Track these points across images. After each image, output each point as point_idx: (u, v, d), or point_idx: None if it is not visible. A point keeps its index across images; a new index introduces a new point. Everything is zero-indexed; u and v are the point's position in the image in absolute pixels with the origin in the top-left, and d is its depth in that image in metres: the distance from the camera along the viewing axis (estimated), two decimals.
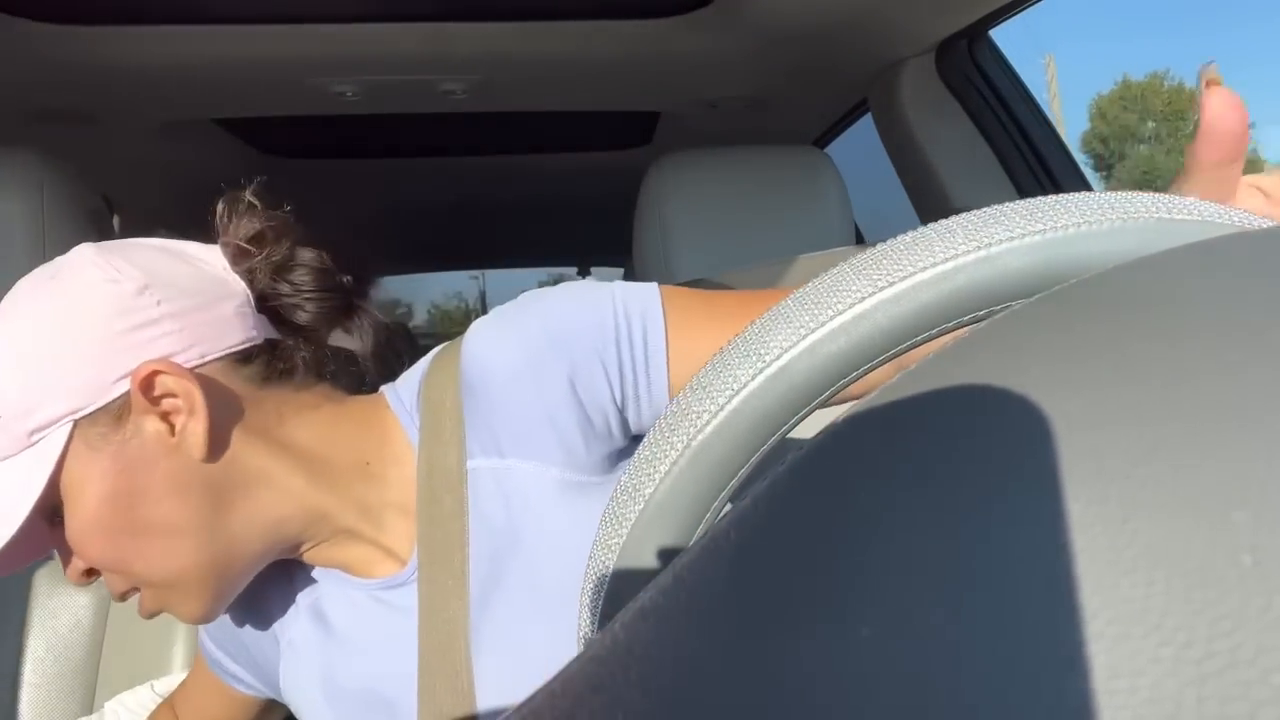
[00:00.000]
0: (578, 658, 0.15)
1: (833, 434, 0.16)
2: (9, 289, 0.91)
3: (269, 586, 0.62)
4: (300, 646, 0.62)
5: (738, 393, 0.21)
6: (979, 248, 0.20)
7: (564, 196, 2.24)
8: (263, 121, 1.52)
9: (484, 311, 0.61)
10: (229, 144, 1.67)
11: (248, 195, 0.59)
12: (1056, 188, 1.24)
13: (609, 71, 1.34)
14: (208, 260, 0.57)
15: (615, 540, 0.23)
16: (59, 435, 0.51)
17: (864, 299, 0.21)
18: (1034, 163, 1.25)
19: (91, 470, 0.51)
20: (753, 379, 0.21)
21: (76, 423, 0.51)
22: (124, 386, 0.51)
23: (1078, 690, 0.10)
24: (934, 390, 0.15)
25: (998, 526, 0.12)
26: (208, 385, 0.52)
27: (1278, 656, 0.09)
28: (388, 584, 0.58)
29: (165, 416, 0.52)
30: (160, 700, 0.88)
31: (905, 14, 1.12)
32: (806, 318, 0.21)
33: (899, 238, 0.21)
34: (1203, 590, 0.10)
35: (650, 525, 0.22)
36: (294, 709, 0.64)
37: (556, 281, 0.60)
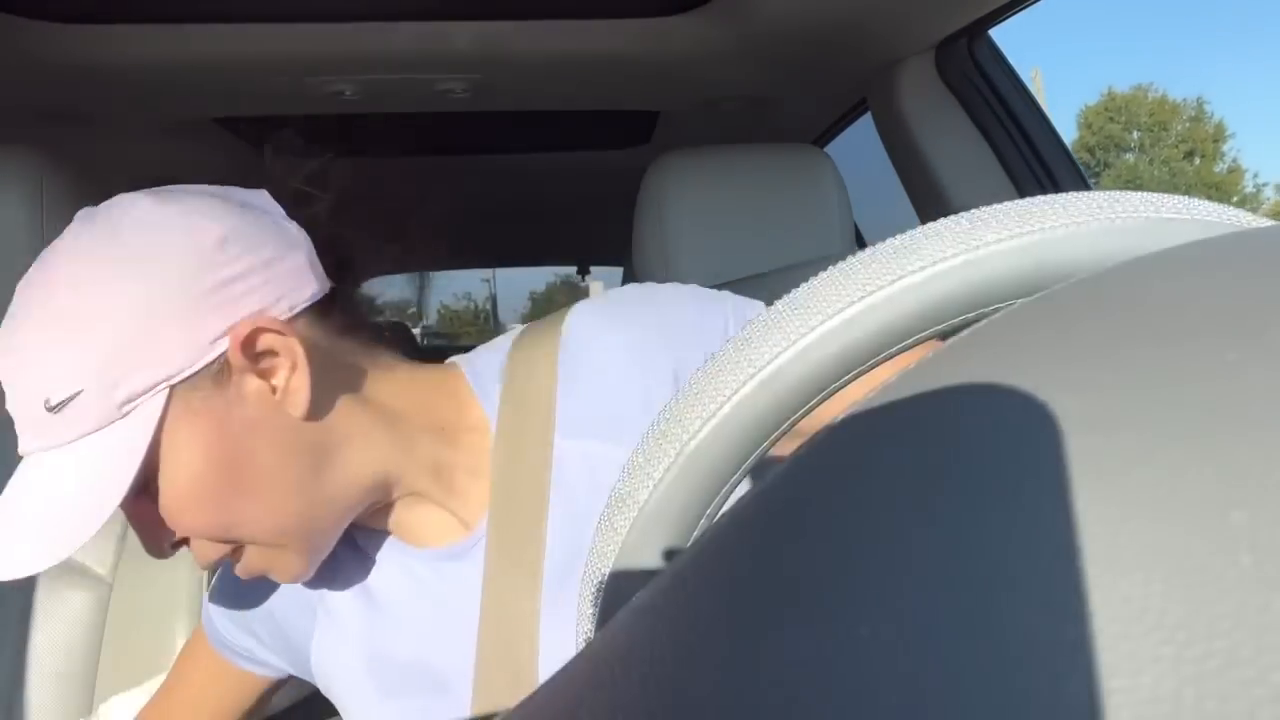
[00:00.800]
0: (577, 656, 0.15)
1: (831, 433, 0.16)
2: (8, 292, 0.90)
3: None
4: (341, 615, 0.60)
5: (729, 399, 0.21)
6: (967, 250, 0.20)
7: (563, 196, 2.24)
8: (263, 121, 1.52)
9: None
10: (229, 143, 1.67)
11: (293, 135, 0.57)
12: (1056, 187, 1.24)
13: (608, 70, 1.34)
14: (264, 207, 0.54)
15: (610, 548, 0.23)
16: (154, 403, 0.48)
17: (853, 303, 0.21)
18: (1034, 162, 1.25)
19: (192, 436, 0.49)
20: (743, 385, 0.21)
21: (173, 388, 0.49)
22: (221, 347, 0.49)
23: (1077, 689, 0.10)
24: (932, 390, 0.15)
25: (996, 526, 0.12)
26: (303, 340, 0.51)
27: (1277, 656, 0.10)
28: (448, 554, 0.57)
29: (263, 374, 0.51)
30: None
31: (905, 13, 1.12)
32: (797, 323, 0.21)
33: (887, 241, 0.22)
34: (1202, 590, 0.10)
35: (644, 532, 0.22)
36: (324, 679, 0.62)
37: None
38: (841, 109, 1.55)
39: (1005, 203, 0.21)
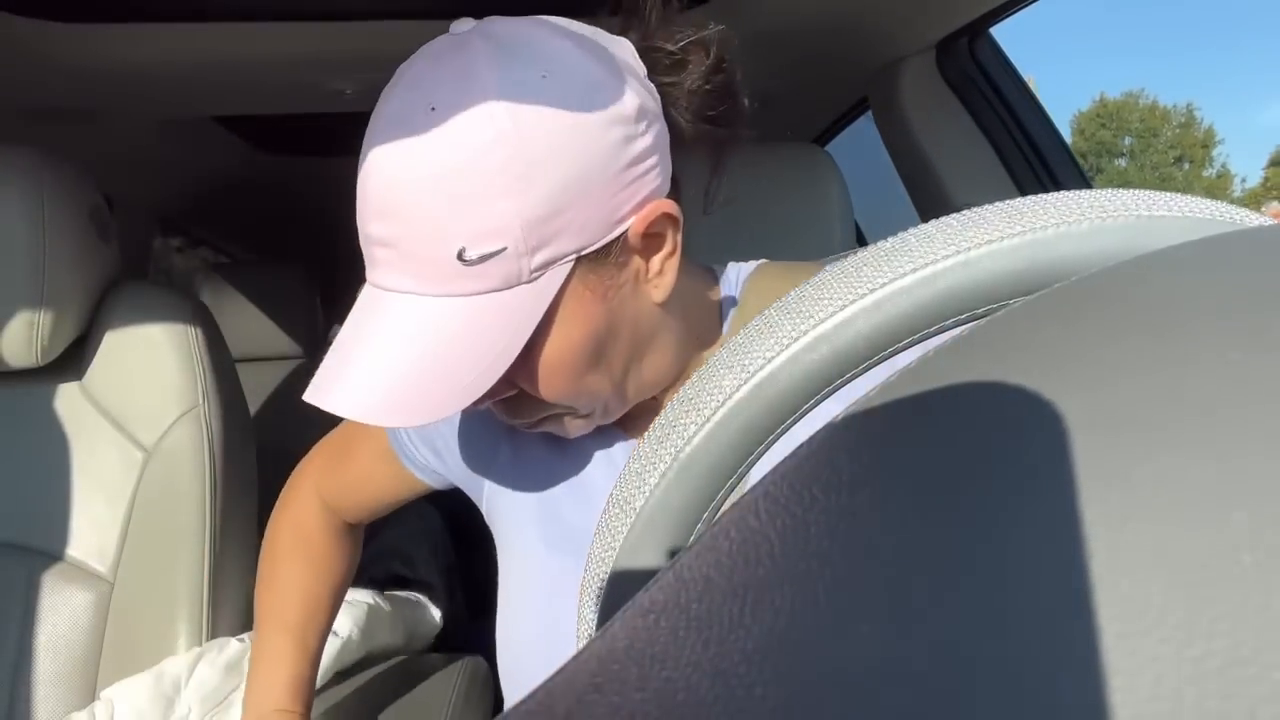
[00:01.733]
0: (577, 656, 0.15)
1: (832, 432, 0.16)
2: (7, 289, 0.90)
3: None
4: (530, 466, 0.63)
5: (723, 404, 0.21)
6: (958, 252, 0.20)
7: None
8: (263, 119, 1.52)
9: None
10: (229, 142, 1.67)
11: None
12: (1057, 185, 1.24)
13: None
14: (632, 65, 0.51)
15: (609, 553, 0.23)
16: (560, 272, 0.47)
17: (845, 307, 0.21)
18: (1034, 160, 1.24)
19: (580, 308, 0.49)
20: (737, 389, 0.21)
21: (578, 260, 0.48)
22: (627, 224, 0.48)
23: (1076, 688, 0.10)
24: (933, 389, 0.15)
25: (997, 525, 0.12)
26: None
27: (1277, 655, 0.09)
28: None
29: (643, 254, 0.51)
30: (156, 683, 0.88)
31: (906, 12, 1.12)
32: (789, 327, 0.21)
33: (879, 244, 0.22)
34: (1202, 589, 0.10)
35: (642, 536, 0.22)
36: (493, 505, 0.65)
37: None
38: (842, 107, 1.54)
39: (996, 203, 0.21)
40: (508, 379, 0.50)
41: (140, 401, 0.99)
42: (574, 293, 0.48)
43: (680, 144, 0.53)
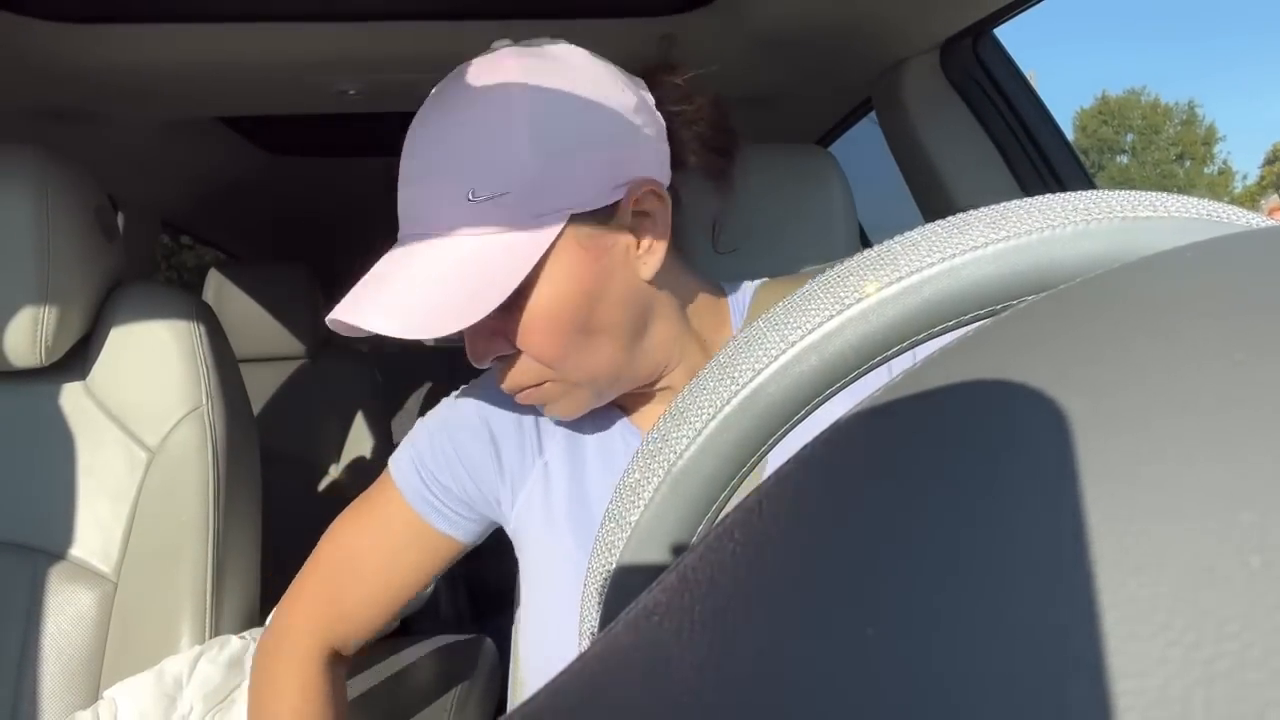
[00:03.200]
0: (582, 656, 0.15)
1: (837, 432, 0.16)
2: (12, 289, 0.90)
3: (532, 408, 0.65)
4: (555, 470, 0.65)
5: (713, 418, 0.22)
6: (943, 259, 0.20)
7: None
8: (266, 119, 1.52)
9: None
10: (232, 142, 1.67)
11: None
12: (1061, 185, 1.24)
13: None
14: (642, 92, 0.59)
15: (607, 566, 0.23)
16: (555, 225, 0.53)
17: (831, 317, 0.21)
18: (1038, 161, 1.24)
19: (572, 265, 0.54)
20: (727, 403, 0.22)
21: (572, 216, 0.53)
22: (620, 194, 0.55)
23: (1084, 691, 0.10)
24: (939, 389, 0.15)
25: (1004, 526, 0.12)
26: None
27: None
28: None
29: (633, 230, 0.56)
30: (158, 682, 0.88)
31: (909, 12, 1.12)
32: (776, 339, 0.21)
33: (865, 253, 0.22)
34: (1211, 591, 0.10)
35: (638, 550, 0.23)
36: (520, 523, 0.66)
37: None
38: (845, 108, 1.54)
39: (981, 209, 0.21)
40: (504, 336, 0.56)
41: (144, 401, 0.99)
42: (566, 247, 0.54)
43: (683, 169, 0.61)
